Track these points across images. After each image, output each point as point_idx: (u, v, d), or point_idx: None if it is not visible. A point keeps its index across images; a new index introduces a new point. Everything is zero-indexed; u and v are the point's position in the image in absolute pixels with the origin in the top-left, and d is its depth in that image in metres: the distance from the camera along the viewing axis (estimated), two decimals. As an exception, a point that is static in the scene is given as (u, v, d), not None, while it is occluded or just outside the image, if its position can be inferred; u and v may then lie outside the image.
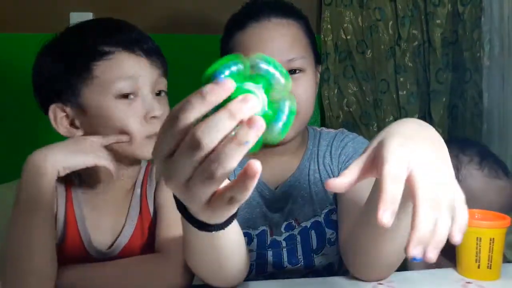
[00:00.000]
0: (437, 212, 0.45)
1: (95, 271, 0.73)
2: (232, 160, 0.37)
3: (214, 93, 0.36)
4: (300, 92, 0.86)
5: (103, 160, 0.74)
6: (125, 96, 0.75)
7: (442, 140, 0.53)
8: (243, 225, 0.65)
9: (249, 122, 0.36)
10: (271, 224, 0.93)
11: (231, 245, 0.60)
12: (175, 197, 0.47)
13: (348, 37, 1.51)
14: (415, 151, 0.48)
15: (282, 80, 0.40)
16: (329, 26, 1.51)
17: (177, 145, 0.38)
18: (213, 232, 0.50)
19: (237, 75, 0.39)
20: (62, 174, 0.71)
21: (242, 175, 0.37)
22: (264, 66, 0.39)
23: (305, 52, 0.90)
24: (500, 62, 1.37)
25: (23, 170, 0.70)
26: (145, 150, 0.77)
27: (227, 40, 0.92)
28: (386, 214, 0.44)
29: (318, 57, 0.98)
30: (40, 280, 0.67)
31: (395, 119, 1.51)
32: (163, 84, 0.81)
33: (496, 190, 1.04)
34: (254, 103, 0.37)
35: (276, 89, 0.40)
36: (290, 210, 0.92)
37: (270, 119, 0.39)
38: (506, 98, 1.33)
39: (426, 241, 0.44)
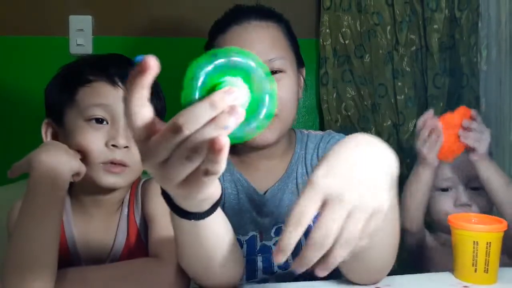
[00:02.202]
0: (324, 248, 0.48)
1: (91, 274, 0.73)
2: (208, 139, 0.39)
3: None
4: (281, 94, 0.87)
5: (83, 166, 0.76)
6: (97, 121, 0.79)
7: (386, 161, 0.55)
8: (234, 231, 0.67)
9: (231, 109, 0.39)
10: (261, 229, 0.93)
11: (216, 237, 0.61)
12: (161, 188, 0.51)
13: (347, 42, 1.52)
14: (334, 185, 0.48)
15: (261, 72, 0.42)
16: (327, 30, 1.52)
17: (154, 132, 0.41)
18: (194, 221, 0.53)
19: (219, 70, 0.41)
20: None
21: (210, 149, 0.39)
22: (241, 59, 0.42)
23: (285, 53, 0.92)
24: (497, 67, 1.37)
25: (34, 173, 0.71)
26: (101, 177, 0.78)
27: (211, 44, 0.95)
28: (278, 257, 0.48)
29: (301, 60, 0.99)
30: (42, 284, 0.68)
31: (393, 124, 1.52)
32: None
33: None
34: (236, 95, 0.39)
35: (256, 82, 0.42)
36: (279, 214, 0.93)
37: (252, 111, 0.42)
38: (503, 103, 1.34)
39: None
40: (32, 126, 0.86)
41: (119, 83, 0.81)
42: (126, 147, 0.78)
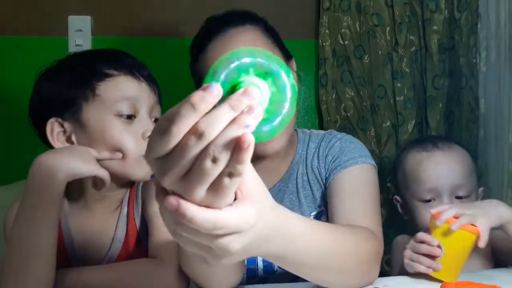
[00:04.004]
0: None
1: (90, 275, 0.73)
2: (232, 140, 0.38)
3: (204, 102, 0.37)
4: None
5: (102, 171, 0.75)
6: (124, 116, 0.78)
7: None
8: None
9: (250, 109, 0.38)
10: None
11: None
12: None
13: (346, 42, 1.52)
14: None
15: (284, 77, 0.41)
16: (327, 31, 1.52)
17: (173, 147, 0.39)
18: None
19: (242, 68, 0.40)
20: (70, 179, 0.72)
21: (236, 149, 0.38)
22: (265, 61, 0.41)
23: (269, 51, 0.90)
24: (496, 68, 1.37)
25: (31, 174, 0.70)
26: (138, 169, 0.78)
27: (194, 65, 0.94)
28: None
29: (287, 54, 0.97)
30: (40, 285, 0.67)
31: (392, 124, 1.51)
32: (158, 112, 0.84)
33: (422, 160, 1.08)
34: (254, 95, 0.38)
35: (277, 85, 0.41)
36: None
37: (272, 111, 0.41)
38: (502, 104, 1.34)
39: None
40: (29, 128, 0.85)
41: (141, 77, 0.81)
42: None
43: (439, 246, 0.80)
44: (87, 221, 0.83)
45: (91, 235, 0.82)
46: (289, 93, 0.41)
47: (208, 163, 0.39)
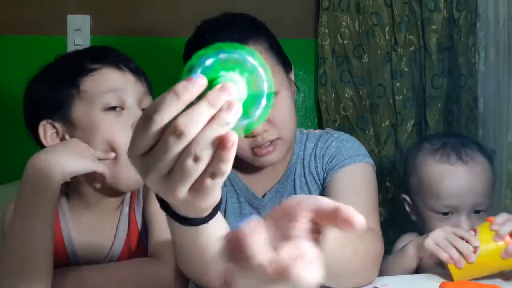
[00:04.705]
0: None
1: (89, 274, 0.73)
2: (215, 140, 0.38)
3: (188, 91, 0.37)
4: (279, 115, 0.86)
5: (101, 166, 0.74)
6: (112, 108, 0.76)
7: None
8: None
9: (228, 106, 0.38)
10: None
11: (216, 241, 0.60)
12: (156, 195, 0.48)
13: (345, 42, 1.52)
14: None
15: (262, 72, 0.41)
16: (326, 30, 1.51)
17: (156, 143, 0.39)
18: (199, 226, 0.51)
19: (219, 64, 0.40)
20: (67, 178, 0.71)
21: (219, 148, 0.38)
22: (241, 55, 0.41)
23: (274, 75, 0.86)
24: (495, 68, 1.37)
25: (26, 174, 0.69)
26: (129, 174, 0.75)
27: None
28: None
29: (288, 64, 0.94)
30: (37, 285, 0.67)
31: (392, 124, 1.51)
32: (147, 102, 0.82)
33: (444, 175, 1.01)
34: (231, 91, 0.38)
35: (254, 80, 0.41)
36: None
37: (250, 105, 0.41)
38: (501, 104, 1.34)
39: None
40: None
41: (125, 68, 0.79)
42: None
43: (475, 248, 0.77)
44: (87, 221, 0.82)
45: (91, 235, 0.81)
46: (265, 88, 0.42)
47: (189, 162, 0.38)
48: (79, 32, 1.45)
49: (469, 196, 0.98)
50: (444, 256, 0.78)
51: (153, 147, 0.39)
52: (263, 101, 0.42)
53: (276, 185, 0.96)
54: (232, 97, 0.38)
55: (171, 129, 0.38)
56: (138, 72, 0.82)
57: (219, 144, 0.38)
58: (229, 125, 0.38)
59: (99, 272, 0.73)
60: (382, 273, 0.77)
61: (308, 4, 1.56)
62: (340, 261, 0.61)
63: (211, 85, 0.39)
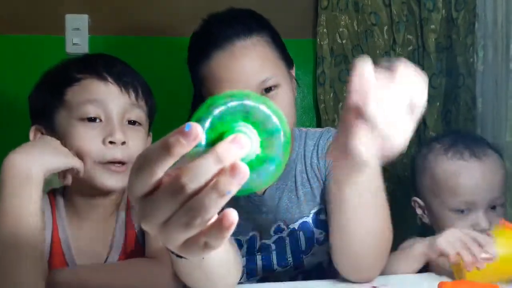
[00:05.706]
0: None
1: (86, 274, 0.72)
2: (212, 210, 0.35)
3: (180, 145, 0.33)
4: (279, 109, 0.86)
5: (78, 162, 0.74)
6: (90, 119, 0.76)
7: None
8: (233, 233, 0.66)
9: (232, 170, 0.33)
10: (261, 228, 0.93)
11: (218, 263, 0.60)
12: None
13: (344, 41, 1.52)
14: None
15: (280, 127, 0.37)
16: (324, 30, 1.51)
17: (155, 188, 0.36)
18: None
19: (229, 114, 0.36)
20: (46, 176, 0.70)
21: (218, 224, 0.35)
22: (254, 104, 0.37)
23: (277, 68, 0.86)
24: (493, 68, 1.37)
25: (2, 176, 0.67)
26: (101, 178, 0.75)
27: (195, 68, 0.89)
28: None
29: (290, 61, 0.94)
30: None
31: (390, 123, 1.51)
32: (134, 114, 0.80)
33: (459, 172, 1.01)
34: (244, 143, 0.34)
35: (268, 134, 0.37)
36: (278, 213, 0.93)
37: (262, 162, 0.37)
38: (499, 103, 1.34)
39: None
40: (28, 125, 0.85)
41: (109, 78, 0.78)
42: (124, 142, 0.76)
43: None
44: (84, 228, 0.82)
45: (88, 242, 0.81)
46: (282, 139, 0.37)
47: (181, 221, 0.36)
48: (77, 32, 1.44)
49: (486, 190, 0.99)
50: (454, 257, 0.77)
51: (153, 191, 0.36)
52: (280, 153, 0.37)
53: (276, 181, 0.96)
54: (244, 151, 0.35)
55: (172, 179, 0.35)
56: (125, 83, 0.80)
57: (218, 221, 0.35)
58: (230, 194, 0.34)
59: (96, 272, 0.73)
60: (382, 271, 0.77)
61: (307, 4, 1.56)
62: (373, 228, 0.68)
63: (221, 137, 0.35)
